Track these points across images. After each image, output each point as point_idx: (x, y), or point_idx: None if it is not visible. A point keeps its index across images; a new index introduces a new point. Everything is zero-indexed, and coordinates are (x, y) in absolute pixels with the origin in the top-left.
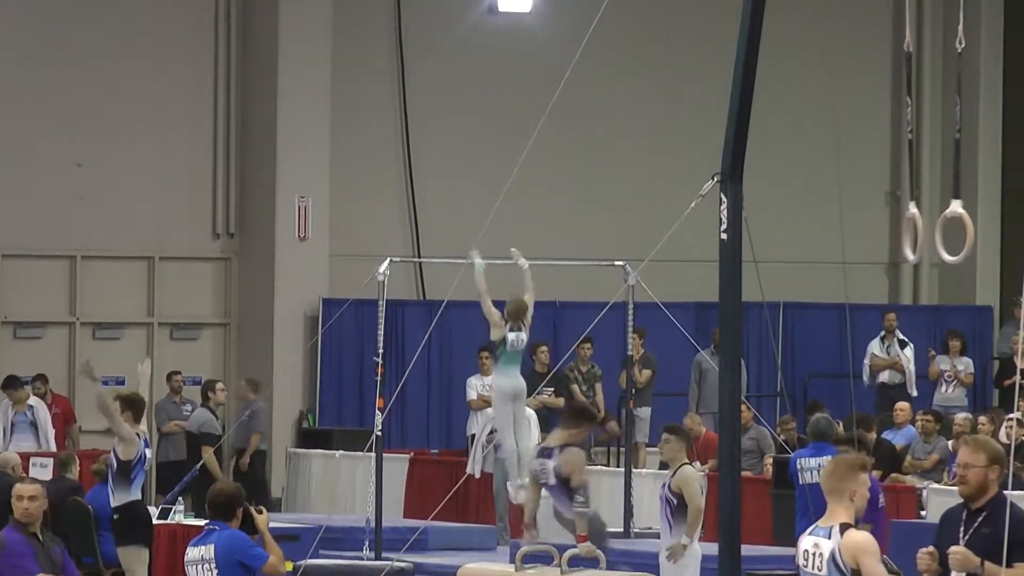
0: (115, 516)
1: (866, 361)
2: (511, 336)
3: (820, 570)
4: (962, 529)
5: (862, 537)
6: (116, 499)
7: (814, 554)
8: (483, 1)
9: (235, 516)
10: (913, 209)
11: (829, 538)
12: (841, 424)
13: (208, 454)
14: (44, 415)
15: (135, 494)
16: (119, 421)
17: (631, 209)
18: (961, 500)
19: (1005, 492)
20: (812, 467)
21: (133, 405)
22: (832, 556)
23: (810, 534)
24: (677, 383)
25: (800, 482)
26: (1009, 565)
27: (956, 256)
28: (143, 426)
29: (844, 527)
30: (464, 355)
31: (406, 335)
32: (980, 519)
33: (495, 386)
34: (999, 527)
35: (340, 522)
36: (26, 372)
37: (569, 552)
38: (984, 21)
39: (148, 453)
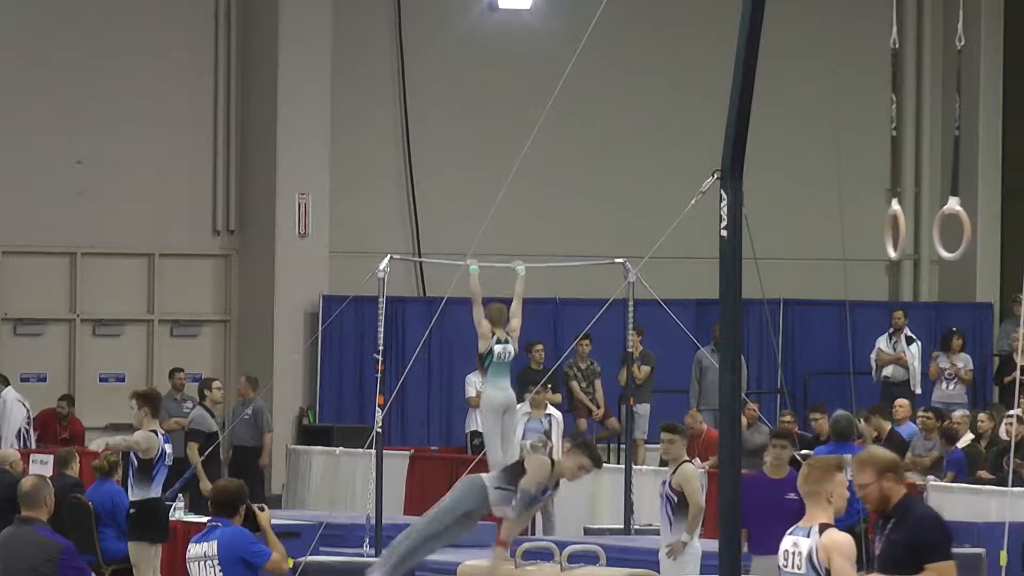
0: (131, 510)
1: (872, 356)
2: (498, 348)
3: (799, 569)
4: (877, 538)
5: (840, 537)
6: (135, 494)
7: (793, 553)
8: None
9: (238, 513)
10: (895, 206)
11: (807, 537)
12: (861, 420)
13: (192, 451)
14: (8, 410)
15: (155, 491)
16: (134, 441)
17: (631, 206)
18: None
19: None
20: None
21: (151, 401)
22: (809, 555)
23: (790, 534)
24: (677, 380)
25: None
26: (920, 569)
27: (954, 253)
28: (158, 423)
29: (824, 527)
30: (464, 352)
31: (406, 332)
32: (890, 526)
33: (485, 398)
34: (907, 531)
35: (340, 519)
36: (27, 369)
37: (568, 549)
38: (984, 19)
39: (168, 448)
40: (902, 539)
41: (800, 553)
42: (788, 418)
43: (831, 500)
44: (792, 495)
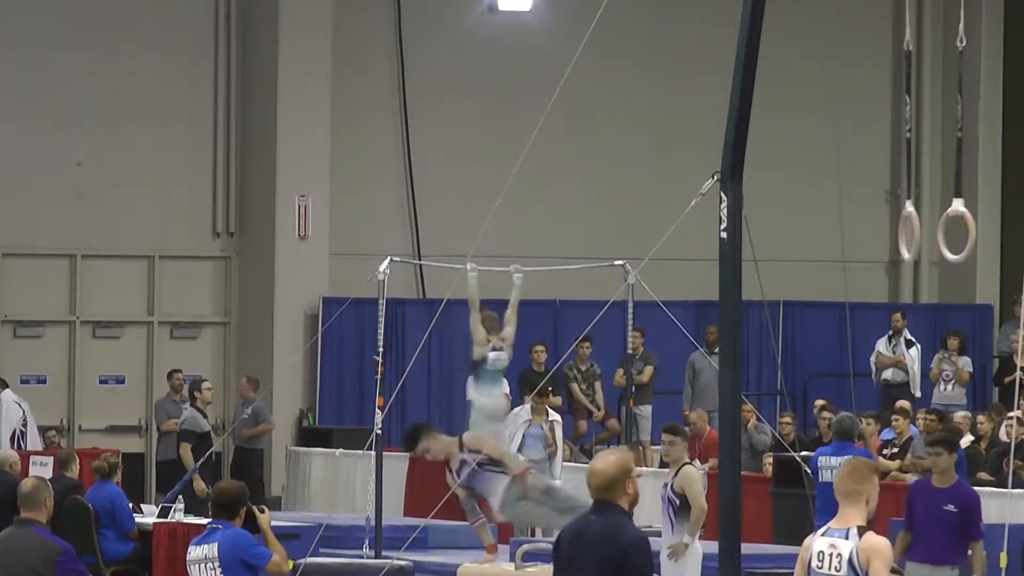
0: None
1: (872, 359)
2: (492, 356)
3: (839, 570)
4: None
5: (880, 541)
6: None
7: (831, 555)
8: None
9: (238, 515)
10: (910, 208)
11: (847, 539)
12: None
13: (185, 450)
14: (3, 412)
15: None
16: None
17: (631, 207)
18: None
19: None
20: (834, 466)
21: None
22: (851, 558)
23: (823, 535)
24: (677, 382)
25: (820, 480)
26: None
27: (959, 255)
28: None
29: (862, 529)
30: (464, 354)
31: (406, 334)
32: None
33: (476, 406)
34: None
35: (340, 520)
36: (26, 371)
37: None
38: (984, 20)
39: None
40: None
41: (840, 555)
42: (788, 420)
43: (869, 501)
44: (951, 507)
